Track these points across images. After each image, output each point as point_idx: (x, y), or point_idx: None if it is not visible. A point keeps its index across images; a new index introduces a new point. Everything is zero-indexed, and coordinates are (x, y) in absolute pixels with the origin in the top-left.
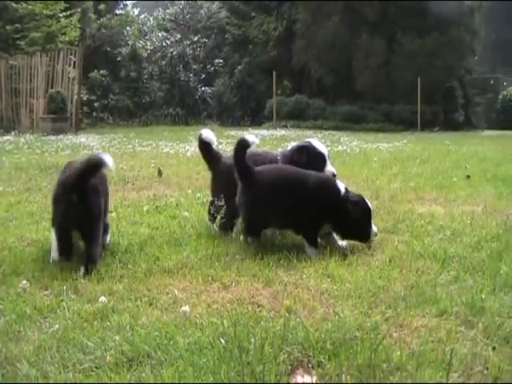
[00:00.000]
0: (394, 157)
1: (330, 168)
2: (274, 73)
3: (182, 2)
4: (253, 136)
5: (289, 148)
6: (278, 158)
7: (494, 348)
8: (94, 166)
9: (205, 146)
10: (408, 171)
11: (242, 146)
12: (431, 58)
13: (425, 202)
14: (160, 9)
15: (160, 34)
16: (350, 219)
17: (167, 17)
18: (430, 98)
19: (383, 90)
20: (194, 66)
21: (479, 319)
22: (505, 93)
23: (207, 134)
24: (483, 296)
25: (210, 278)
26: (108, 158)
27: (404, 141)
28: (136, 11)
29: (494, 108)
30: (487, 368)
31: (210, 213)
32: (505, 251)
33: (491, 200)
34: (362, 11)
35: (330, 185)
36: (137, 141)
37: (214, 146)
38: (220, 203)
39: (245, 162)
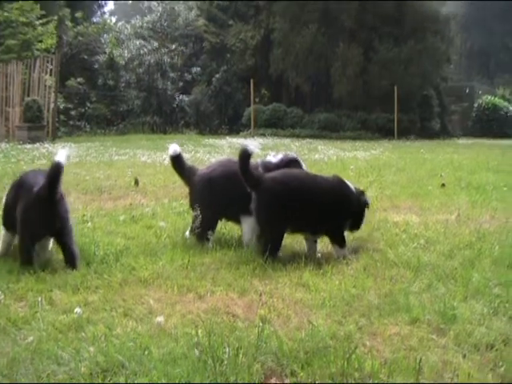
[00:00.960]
0: (371, 165)
1: None
2: (252, 81)
3: (160, 9)
4: (255, 144)
5: (278, 157)
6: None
7: (464, 355)
8: (58, 172)
9: (176, 162)
10: (384, 179)
11: (245, 155)
12: (407, 66)
13: (400, 210)
14: (137, 17)
15: (137, 42)
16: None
17: (145, 25)
18: (407, 106)
19: (360, 98)
20: (172, 74)
21: (450, 327)
22: (480, 101)
23: (175, 148)
24: (455, 304)
25: (185, 288)
26: (61, 155)
27: (380, 149)
28: (113, 19)
29: (469, 116)
30: (457, 375)
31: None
32: (477, 259)
33: (465, 208)
34: (339, 19)
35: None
36: (114, 149)
37: (183, 160)
38: (196, 213)
39: (250, 171)
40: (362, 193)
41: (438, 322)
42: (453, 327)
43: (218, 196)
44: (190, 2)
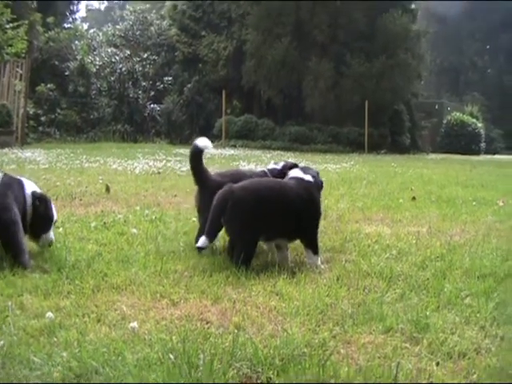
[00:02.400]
0: (342, 178)
1: None
2: (224, 92)
3: (132, 18)
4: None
5: (280, 164)
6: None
7: (437, 363)
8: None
9: (197, 156)
10: (355, 192)
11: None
12: (379, 81)
13: (372, 222)
14: (109, 24)
15: (109, 50)
16: None
17: (117, 33)
18: (378, 120)
19: (332, 111)
20: (144, 83)
21: (424, 335)
22: (449, 118)
23: (206, 143)
24: (428, 313)
25: (158, 295)
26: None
27: (351, 162)
28: (85, 26)
29: (438, 132)
30: (431, 382)
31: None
32: (448, 270)
33: (436, 221)
34: (311, 34)
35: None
36: (84, 157)
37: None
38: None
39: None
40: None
41: (412, 331)
42: (426, 336)
43: None
44: (163, 12)
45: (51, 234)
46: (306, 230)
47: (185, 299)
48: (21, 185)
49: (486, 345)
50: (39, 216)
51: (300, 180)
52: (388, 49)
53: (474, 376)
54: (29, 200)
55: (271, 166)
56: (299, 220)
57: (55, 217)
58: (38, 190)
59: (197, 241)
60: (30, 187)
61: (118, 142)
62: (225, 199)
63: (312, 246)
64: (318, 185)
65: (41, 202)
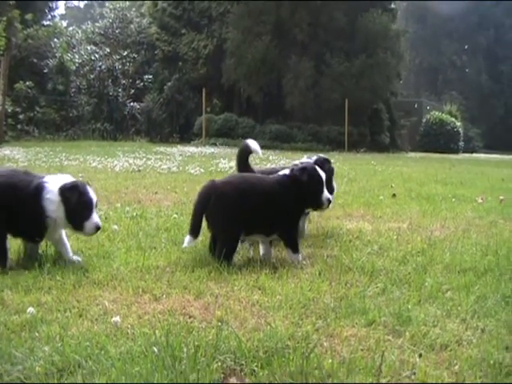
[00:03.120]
0: None
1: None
2: (204, 90)
3: (112, 15)
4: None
5: (313, 158)
6: None
7: (420, 355)
8: None
9: (245, 157)
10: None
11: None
12: (358, 80)
13: (353, 218)
14: (89, 22)
15: (89, 48)
16: None
17: (96, 30)
18: (357, 119)
19: (312, 110)
20: (123, 81)
21: (406, 328)
22: (428, 117)
23: (256, 147)
24: (409, 307)
25: (140, 290)
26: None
27: (332, 160)
28: (64, 23)
29: (417, 131)
30: (414, 373)
31: None
32: (429, 265)
33: (416, 217)
34: (291, 32)
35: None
36: (64, 155)
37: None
38: None
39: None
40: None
41: (394, 324)
42: (408, 329)
43: None
44: (143, 9)
45: (94, 219)
46: (281, 227)
47: (167, 294)
48: (29, 186)
49: (468, 337)
50: (73, 206)
51: (281, 176)
52: (368, 48)
53: (456, 367)
54: (53, 197)
55: (305, 159)
56: (275, 216)
57: (94, 199)
58: (68, 181)
59: None
60: (55, 184)
61: (98, 140)
62: (208, 194)
63: (290, 244)
64: (298, 181)
65: (72, 192)
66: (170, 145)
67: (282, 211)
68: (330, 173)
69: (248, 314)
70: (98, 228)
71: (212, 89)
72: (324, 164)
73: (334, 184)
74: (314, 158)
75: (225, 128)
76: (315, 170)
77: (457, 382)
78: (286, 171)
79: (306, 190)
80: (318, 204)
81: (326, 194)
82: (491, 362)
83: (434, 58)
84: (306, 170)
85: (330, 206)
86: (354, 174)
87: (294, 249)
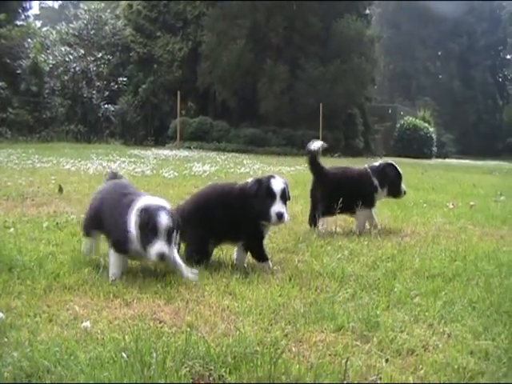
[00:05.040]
0: (296, 180)
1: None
2: (179, 93)
3: (87, 17)
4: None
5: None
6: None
7: (387, 360)
8: None
9: (314, 158)
10: (309, 194)
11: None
12: (333, 85)
13: (324, 223)
14: (63, 23)
15: (63, 49)
16: None
17: (71, 31)
18: (332, 124)
19: (286, 114)
20: (98, 83)
21: (374, 334)
22: (402, 122)
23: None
24: (378, 312)
25: (111, 295)
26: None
27: (306, 164)
28: (38, 23)
29: (391, 136)
30: (380, 378)
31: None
32: (399, 270)
33: (387, 222)
34: (266, 37)
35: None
36: (36, 157)
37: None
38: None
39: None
40: None
41: (362, 330)
42: (376, 334)
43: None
44: (118, 11)
45: (157, 247)
46: (245, 236)
47: (138, 299)
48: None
49: (434, 342)
50: (142, 228)
51: (244, 185)
52: (342, 53)
53: (422, 371)
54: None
55: (374, 164)
56: (239, 225)
57: (162, 225)
58: (148, 203)
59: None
60: (141, 203)
61: (72, 143)
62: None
63: (255, 253)
64: (249, 193)
65: (143, 213)
66: (145, 148)
67: (245, 221)
68: (394, 177)
69: (218, 319)
70: (160, 256)
71: (187, 92)
72: (385, 169)
73: (403, 187)
74: (380, 162)
75: (199, 131)
76: (269, 182)
77: None
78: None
79: (255, 202)
80: (266, 218)
81: (275, 208)
82: (455, 366)
83: (408, 63)
84: (259, 181)
85: (285, 220)
86: None
87: (260, 258)
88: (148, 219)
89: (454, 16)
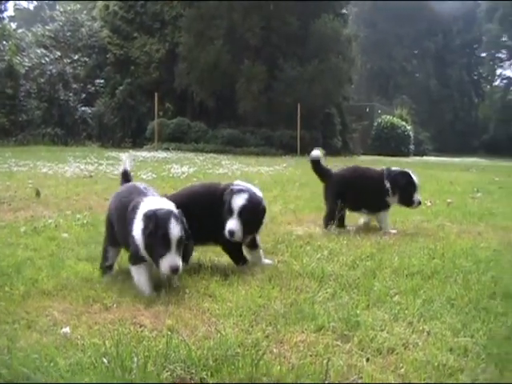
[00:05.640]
0: (275, 180)
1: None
2: (156, 94)
3: (63, 18)
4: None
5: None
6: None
7: (367, 359)
8: None
9: (317, 164)
10: (288, 194)
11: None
12: (311, 84)
13: (304, 223)
14: (39, 25)
15: (39, 51)
16: None
17: (47, 33)
18: (310, 123)
19: (264, 114)
20: (74, 85)
21: (354, 333)
22: (379, 120)
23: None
24: (358, 311)
25: (90, 300)
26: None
27: (284, 165)
28: (13, 25)
29: (369, 135)
30: (361, 377)
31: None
32: (378, 269)
33: (366, 221)
34: (243, 37)
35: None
36: (13, 160)
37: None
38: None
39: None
40: None
41: (343, 329)
42: (356, 333)
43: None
44: (94, 13)
45: (168, 259)
46: (221, 239)
47: (118, 303)
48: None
49: (414, 340)
50: (151, 236)
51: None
52: (320, 53)
53: (402, 370)
54: (137, 226)
55: (392, 168)
56: (216, 227)
57: (173, 235)
58: (152, 208)
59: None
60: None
61: (48, 146)
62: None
63: (231, 256)
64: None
65: (149, 220)
66: (122, 150)
67: (220, 223)
68: (405, 184)
69: (198, 322)
70: (174, 271)
71: (164, 93)
72: (398, 176)
73: (417, 196)
74: (392, 169)
75: (177, 132)
76: (232, 193)
77: None
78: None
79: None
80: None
81: (230, 223)
82: (435, 364)
83: (385, 62)
84: (229, 189)
85: (235, 237)
86: (306, 178)
87: (236, 260)
88: (156, 227)
89: (429, 15)
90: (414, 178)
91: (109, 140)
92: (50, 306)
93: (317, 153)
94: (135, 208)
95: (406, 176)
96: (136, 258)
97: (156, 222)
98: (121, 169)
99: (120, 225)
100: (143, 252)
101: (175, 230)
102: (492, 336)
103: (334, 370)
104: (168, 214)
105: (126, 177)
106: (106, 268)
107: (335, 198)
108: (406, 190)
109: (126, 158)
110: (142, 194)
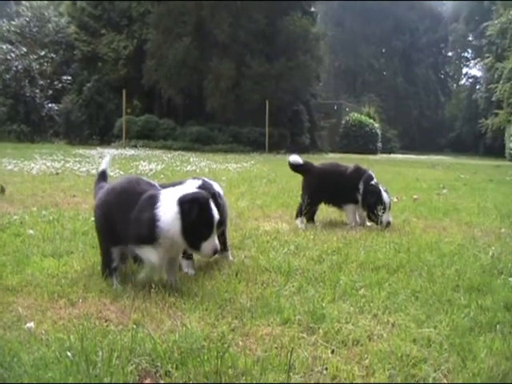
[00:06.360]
0: (242, 177)
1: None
2: (124, 91)
3: (29, 14)
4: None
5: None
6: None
7: (332, 351)
8: None
9: (296, 166)
10: (255, 190)
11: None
12: (279, 82)
13: (271, 219)
14: (4, 20)
15: (4, 47)
16: None
17: (12, 29)
18: (278, 120)
19: (232, 111)
20: (41, 82)
21: (320, 325)
22: (347, 118)
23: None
24: (324, 304)
25: (56, 295)
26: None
27: (252, 161)
28: None
29: (337, 132)
30: (326, 368)
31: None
32: (344, 263)
33: (333, 217)
34: (212, 34)
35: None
36: None
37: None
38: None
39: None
40: None
41: (308, 322)
42: (322, 326)
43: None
44: (61, 8)
45: (212, 242)
46: None
47: (83, 298)
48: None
49: (378, 331)
50: (190, 223)
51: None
52: (288, 50)
53: (367, 361)
54: (169, 210)
55: (371, 174)
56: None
57: (215, 218)
58: (189, 192)
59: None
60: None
61: (14, 143)
62: None
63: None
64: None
65: (191, 206)
66: (90, 147)
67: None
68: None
69: (164, 316)
70: (215, 252)
71: (132, 90)
72: (367, 193)
73: (387, 217)
74: (369, 177)
75: (145, 130)
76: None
77: (367, 375)
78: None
79: None
80: None
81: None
82: (399, 354)
83: (353, 61)
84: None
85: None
86: (273, 175)
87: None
88: (200, 212)
89: (397, 13)
90: (386, 197)
91: (76, 137)
92: (14, 302)
93: (296, 158)
94: (154, 196)
95: (377, 195)
96: (150, 238)
97: (200, 207)
98: (100, 168)
99: (127, 217)
100: (176, 238)
101: (216, 213)
102: (455, 327)
103: (299, 361)
104: (208, 199)
105: (103, 177)
106: (113, 270)
107: (313, 191)
108: (375, 208)
109: (106, 159)
110: (151, 184)
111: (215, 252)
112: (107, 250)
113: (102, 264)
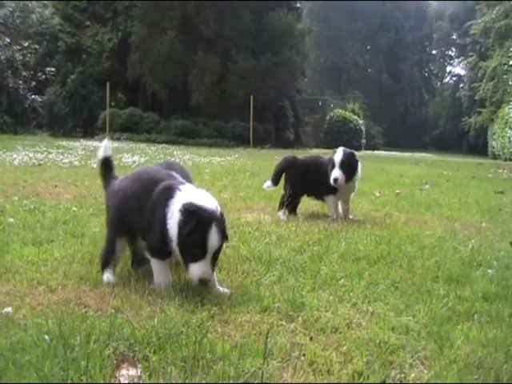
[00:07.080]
0: (226, 170)
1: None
2: (108, 84)
3: (12, 4)
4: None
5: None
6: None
7: (311, 338)
8: None
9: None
10: (238, 183)
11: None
12: (264, 77)
13: (253, 210)
14: None
15: None
16: None
17: None
18: (263, 115)
19: (217, 106)
20: (24, 73)
21: (299, 313)
22: (331, 114)
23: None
24: (304, 293)
25: (35, 282)
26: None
27: (236, 155)
28: None
29: (321, 128)
30: (304, 354)
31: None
32: (325, 254)
33: (315, 209)
34: (197, 28)
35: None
36: None
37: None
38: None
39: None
40: None
41: (288, 310)
42: (301, 314)
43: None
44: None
45: (200, 267)
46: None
47: (63, 285)
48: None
49: (357, 320)
50: (187, 235)
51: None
52: (273, 46)
53: (345, 347)
54: (172, 216)
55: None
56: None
57: (213, 242)
58: (194, 202)
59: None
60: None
61: None
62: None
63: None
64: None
65: (190, 217)
66: (73, 139)
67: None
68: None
69: (144, 303)
70: (203, 282)
71: (116, 83)
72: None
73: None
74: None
75: (129, 123)
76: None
77: (344, 361)
78: None
79: None
80: None
81: None
82: (377, 341)
83: (338, 57)
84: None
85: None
86: (257, 168)
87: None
88: (195, 229)
89: (382, 11)
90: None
91: (59, 129)
92: None
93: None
94: (168, 194)
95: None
96: (160, 252)
97: (196, 223)
98: (100, 156)
99: (139, 211)
100: (174, 246)
101: (215, 238)
102: (433, 316)
103: (277, 347)
104: (211, 217)
105: (107, 165)
106: (110, 261)
107: (296, 183)
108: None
109: (105, 144)
110: (172, 177)
111: (202, 281)
112: (112, 240)
113: (102, 254)
